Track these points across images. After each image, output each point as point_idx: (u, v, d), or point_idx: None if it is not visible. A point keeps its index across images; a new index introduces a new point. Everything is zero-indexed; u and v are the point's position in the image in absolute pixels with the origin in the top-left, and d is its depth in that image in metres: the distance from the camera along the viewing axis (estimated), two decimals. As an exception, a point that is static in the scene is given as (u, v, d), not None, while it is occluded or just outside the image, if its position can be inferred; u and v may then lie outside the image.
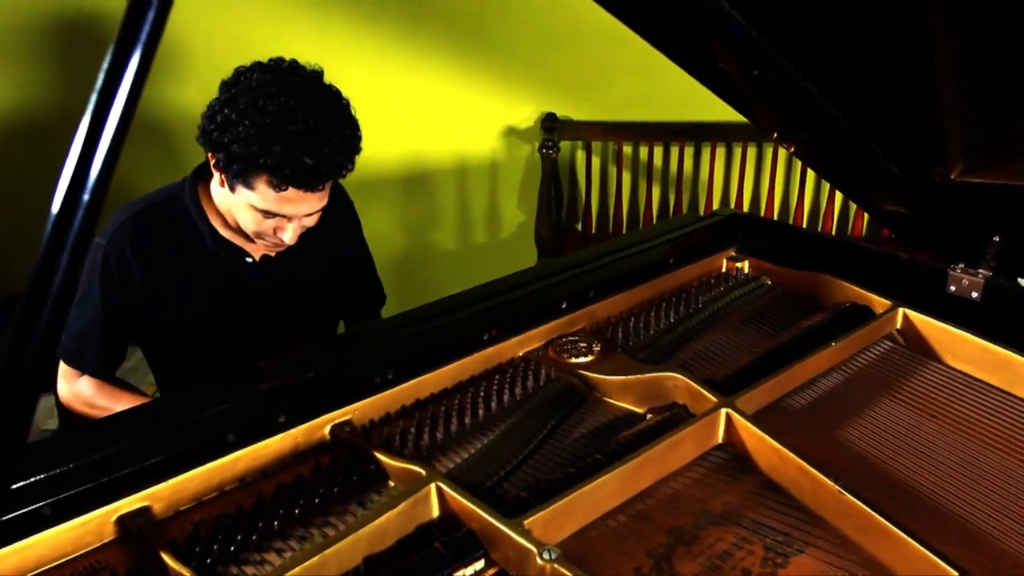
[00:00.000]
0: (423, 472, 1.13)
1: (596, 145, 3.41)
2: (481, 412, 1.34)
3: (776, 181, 3.41)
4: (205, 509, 1.14)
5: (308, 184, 1.55)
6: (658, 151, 3.41)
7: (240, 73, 1.58)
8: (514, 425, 1.31)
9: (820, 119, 1.08)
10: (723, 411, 1.26)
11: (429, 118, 3.36)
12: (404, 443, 1.26)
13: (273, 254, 1.74)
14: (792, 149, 1.34)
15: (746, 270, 1.84)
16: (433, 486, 1.10)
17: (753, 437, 1.22)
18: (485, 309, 1.46)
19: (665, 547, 1.13)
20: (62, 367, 1.75)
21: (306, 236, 1.69)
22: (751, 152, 3.40)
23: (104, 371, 1.75)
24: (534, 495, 1.11)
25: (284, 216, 1.60)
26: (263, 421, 1.19)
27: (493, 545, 1.05)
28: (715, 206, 3.46)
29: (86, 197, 0.67)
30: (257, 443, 1.19)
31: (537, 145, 3.37)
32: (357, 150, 1.60)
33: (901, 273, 1.67)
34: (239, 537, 1.07)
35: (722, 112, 3.29)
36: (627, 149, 3.40)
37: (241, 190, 1.58)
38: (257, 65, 1.59)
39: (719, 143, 3.39)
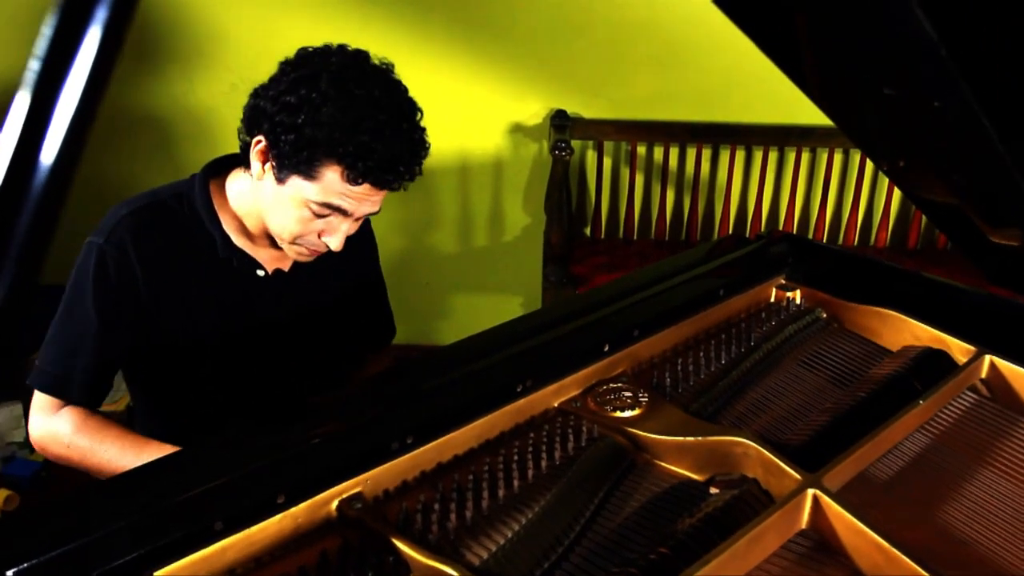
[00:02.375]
0: (456, 575, 0.92)
1: (608, 145, 3.20)
2: (516, 482, 1.13)
3: (797, 188, 3.22)
4: (186, 612, 0.93)
5: (384, 181, 1.41)
6: (674, 152, 3.20)
7: (309, 55, 1.42)
8: (556, 500, 1.10)
9: (986, 158, 0.88)
10: (809, 493, 1.05)
11: (430, 113, 3.07)
12: (427, 524, 1.05)
13: (309, 259, 1.54)
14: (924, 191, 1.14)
15: (798, 300, 1.64)
16: (470, 597, 0.90)
17: (850, 530, 1.01)
18: (519, 355, 1.25)
19: (748, 667, 0.93)
20: (38, 398, 1.49)
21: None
22: (772, 156, 3.20)
23: (91, 398, 1.50)
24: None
25: (341, 212, 1.43)
26: (259, 503, 0.98)
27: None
28: (732, 212, 3.27)
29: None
30: (250, 527, 0.98)
31: (545, 144, 3.16)
32: (427, 151, 1.48)
33: (981, 312, 1.48)
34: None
35: (742, 113, 3.16)
36: (641, 150, 3.20)
37: (295, 180, 1.40)
38: (329, 49, 1.43)
39: (739, 146, 3.19)
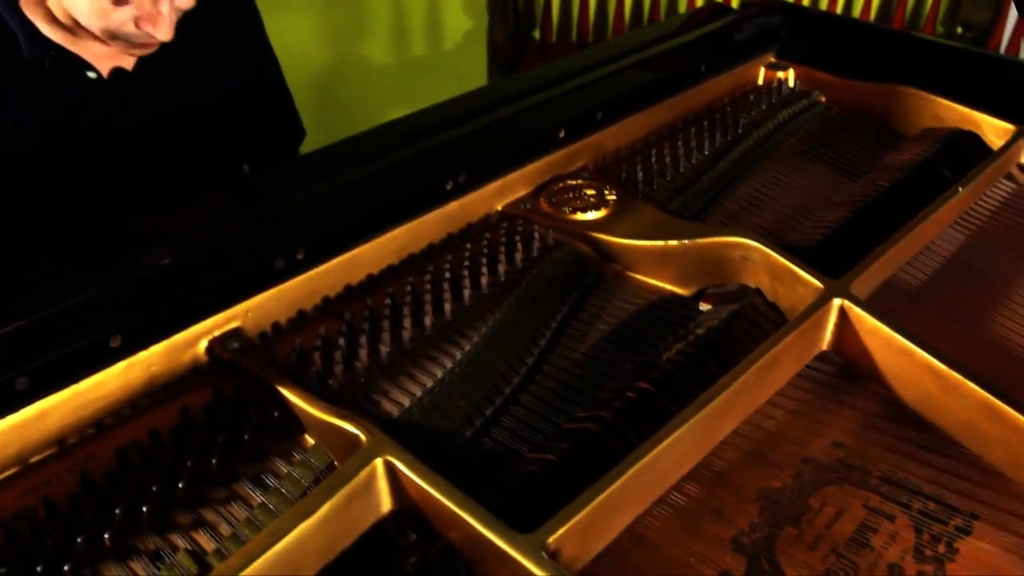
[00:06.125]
0: (361, 435, 0.66)
1: (558, -70, 2.81)
2: (448, 305, 0.87)
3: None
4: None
5: None
6: (633, -62, 2.82)
7: None
8: (501, 326, 0.85)
9: None
10: (835, 303, 0.80)
11: None
12: (329, 365, 0.79)
13: (150, 52, 1.17)
14: None
15: (791, 82, 1.36)
16: (380, 463, 0.64)
17: (892, 349, 0.77)
18: (450, 144, 0.95)
19: (762, 532, 0.70)
20: None
21: (182, 37, 1.13)
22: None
23: None
24: (554, 469, 0.66)
25: None
26: (81, 350, 0.70)
27: (489, 563, 0.61)
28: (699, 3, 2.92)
29: None
30: (80, 383, 0.71)
31: (487, -69, 2.76)
32: None
33: (1019, 85, 1.21)
34: (51, 549, 0.61)
35: None
36: (595, -64, 2.81)
37: None
38: None
39: (706, -72, 2.81)
